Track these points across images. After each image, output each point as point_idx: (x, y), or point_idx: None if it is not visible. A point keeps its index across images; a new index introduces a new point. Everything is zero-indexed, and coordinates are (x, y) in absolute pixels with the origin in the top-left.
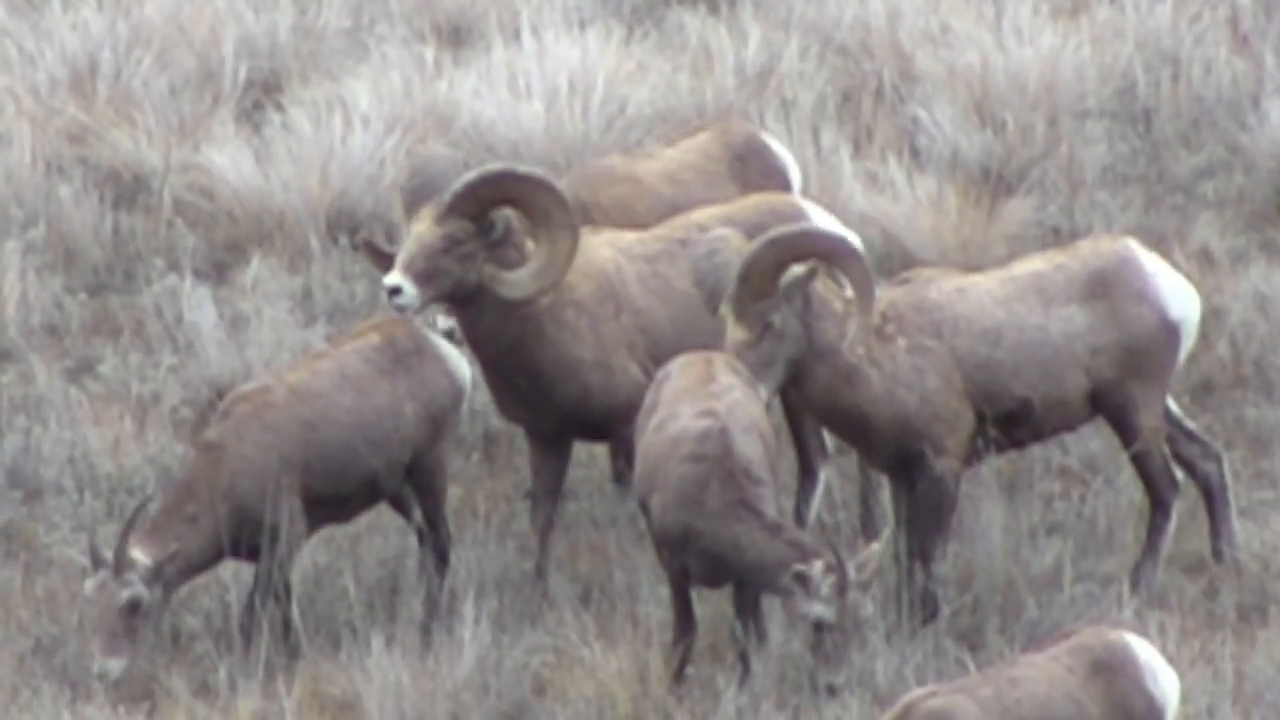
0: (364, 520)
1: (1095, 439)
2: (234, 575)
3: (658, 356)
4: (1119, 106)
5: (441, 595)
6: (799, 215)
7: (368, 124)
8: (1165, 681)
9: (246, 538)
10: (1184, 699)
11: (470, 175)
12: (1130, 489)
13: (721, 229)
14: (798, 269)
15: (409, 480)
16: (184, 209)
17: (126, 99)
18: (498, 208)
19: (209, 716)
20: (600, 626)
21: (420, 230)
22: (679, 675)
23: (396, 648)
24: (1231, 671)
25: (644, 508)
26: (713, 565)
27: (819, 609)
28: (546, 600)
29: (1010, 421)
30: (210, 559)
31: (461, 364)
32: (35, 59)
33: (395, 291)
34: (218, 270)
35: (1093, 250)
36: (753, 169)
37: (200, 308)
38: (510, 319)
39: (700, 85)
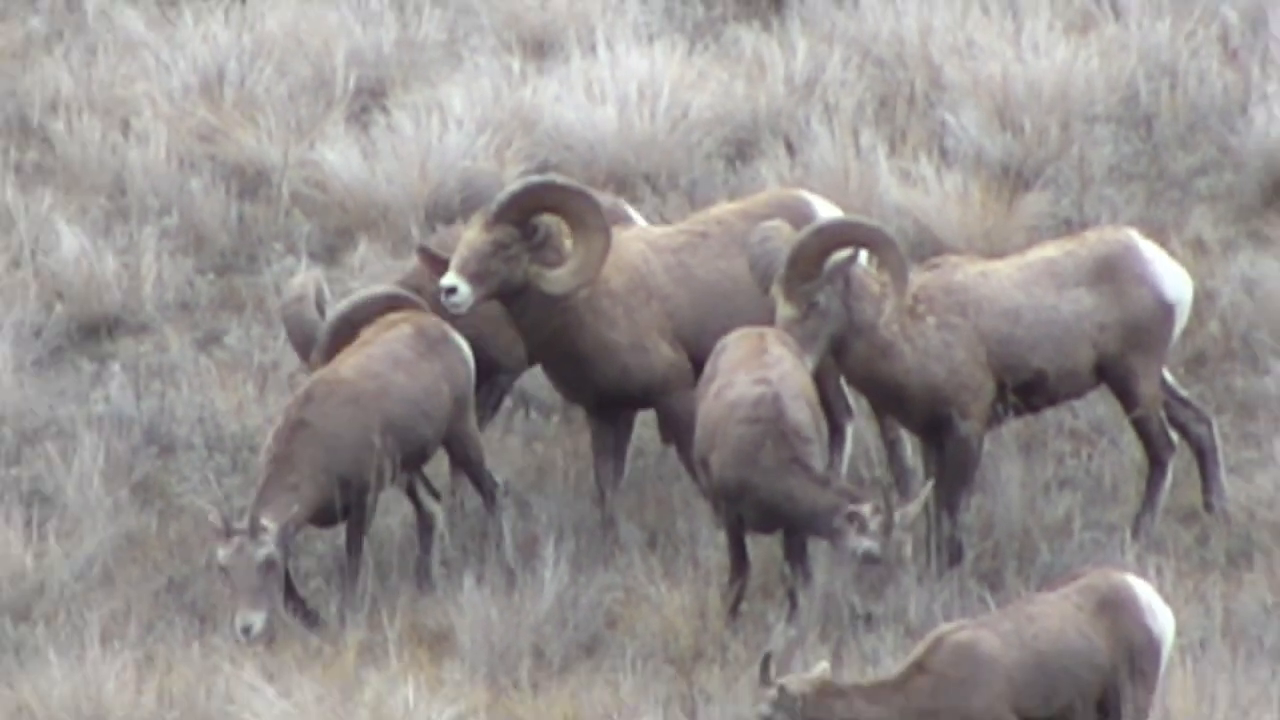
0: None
1: (1101, 405)
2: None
3: (684, 336)
4: (1123, 112)
5: (502, 531)
6: (807, 208)
7: (461, 125)
8: (1163, 618)
9: (341, 500)
10: (1179, 633)
11: (515, 186)
12: (1132, 449)
13: (774, 220)
14: (840, 255)
15: (449, 451)
16: (300, 199)
17: (250, 103)
18: (539, 214)
19: (320, 646)
20: (665, 568)
21: (471, 236)
22: (734, 611)
23: (485, 586)
24: (1221, 609)
25: (704, 464)
26: (765, 514)
27: (868, 544)
28: (617, 545)
29: (1027, 389)
30: (310, 521)
31: (469, 354)
32: (170, 67)
33: (451, 291)
34: (329, 253)
35: (1098, 239)
36: None
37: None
38: (553, 311)
39: (754, 92)
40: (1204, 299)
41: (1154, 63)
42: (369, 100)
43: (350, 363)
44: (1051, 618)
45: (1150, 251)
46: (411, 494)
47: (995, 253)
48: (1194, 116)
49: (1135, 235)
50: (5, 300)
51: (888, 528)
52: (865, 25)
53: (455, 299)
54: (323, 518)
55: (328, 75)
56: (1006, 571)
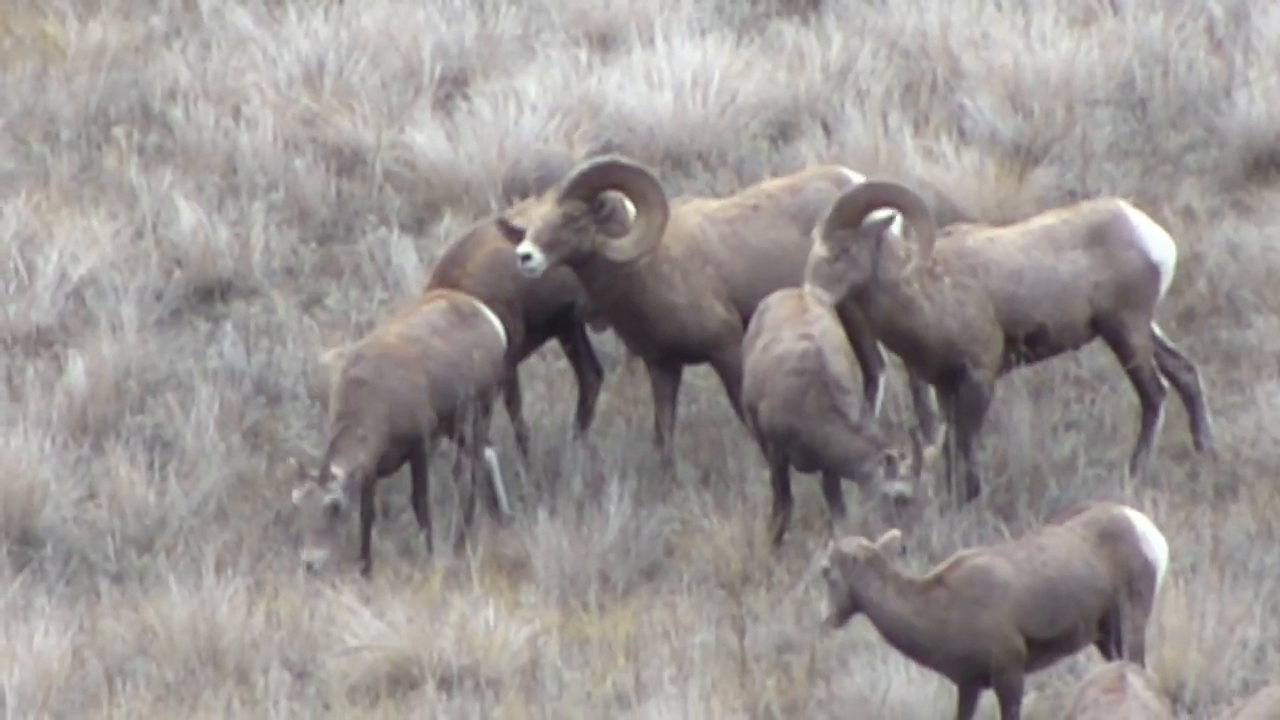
0: (531, 417)
1: (1102, 355)
2: (431, 457)
3: (737, 299)
4: (1121, 96)
5: (473, 491)
6: (846, 181)
7: (534, 110)
8: (1157, 546)
9: (400, 449)
10: (1172, 559)
11: (584, 164)
12: (1130, 394)
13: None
14: (880, 214)
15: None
16: (391, 177)
17: (347, 91)
18: (605, 190)
19: (411, 573)
20: (716, 502)
21: (544, 210)
22: (778, 540)
23: (558, 519)
24: (1210, 537)
25: (753, 410)
26: (808, 456)
27: (900, 486)
28: (674, 482)
29: (1031, 340)
30: (378, 470)
31: (500, 326)
32: (276, 60)
33: (526, 258)
34: (418, 224)
35: (1091, 208)
36: None
37: (404, 254)
38: (618, 277)
39: (794, 80)
40: (1193, 261)
41: (1148, 52)
42: (452, 88)
43: (395, 329)
44: (1059, 548)
45: (1137, 218)
46: (460, 448)
47: (1005, 221)
48: (1183, 100)
49: (1123, 204)
50: (130, 267)
51: (917, 470)
52: (892, 20)
53: (530, 264)
54: (385, 467)
55: (416, 66)
56: (1019, 504)
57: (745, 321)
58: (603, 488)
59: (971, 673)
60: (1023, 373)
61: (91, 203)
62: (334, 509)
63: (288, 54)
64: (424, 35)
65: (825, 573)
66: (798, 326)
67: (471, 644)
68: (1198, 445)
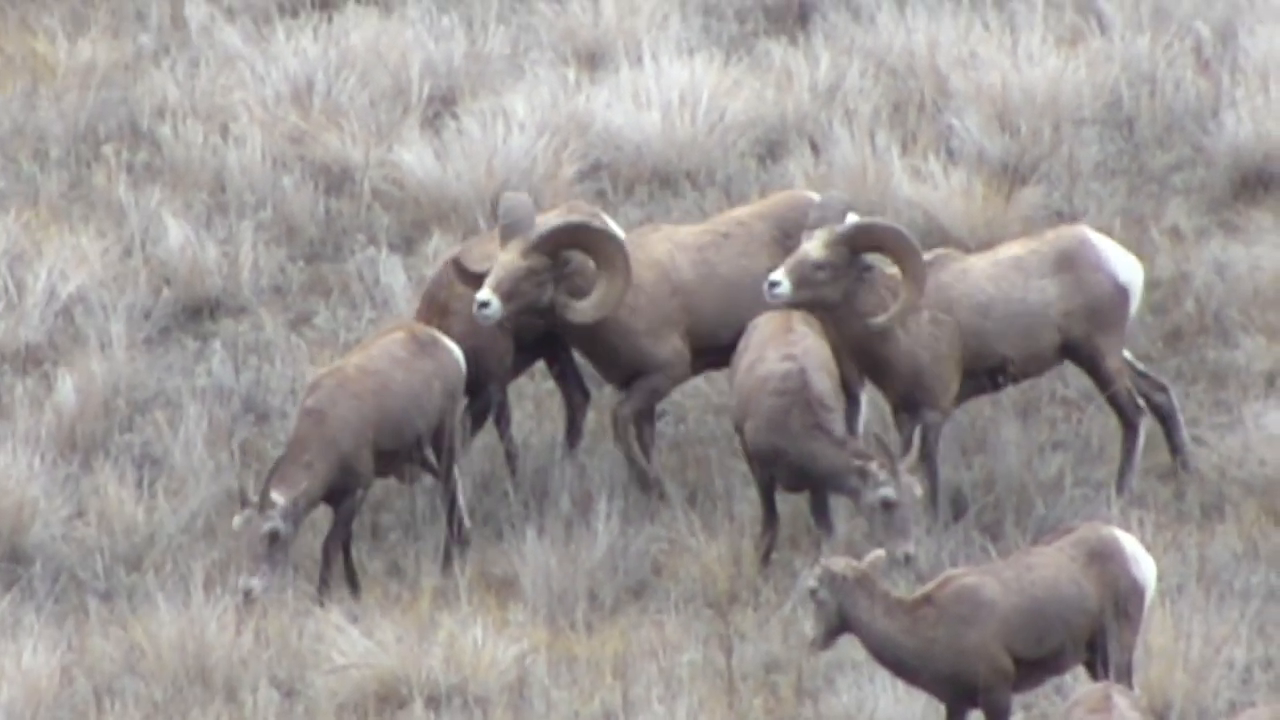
0: (519, 436)
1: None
2: (421, 480)
3: (708, 327)
4: (1108, 115)
5: (457, 527)
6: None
7: (523, 129)
8: (1146, 567)
9: (344, 481)
10: (1158, 579)
11: (556, 222)
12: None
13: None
14: (873, 257)
15: (433, 443)
16: (380, 195)
17: (335, 109)
18: (572, 249)
19: (399, 591)
20: (703, 521)
21: (508, 259)
22: (766, 560)
23: (546, 537)
24: (1196, 557)
25: (739, 430)
26: (794, 474)
27: (883, 491)
28: (662, 500)
29: (991, 373)
30: (322, 498)
31: (460, 356)
32: (264, 77)
33: (484, 305)
34: (406, 243)
35: (1056, 235)
36: None
37: (393, 273)
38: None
39: (782, 99)
40: (1180, 281)
41: (1135, 72)
42: (441, 107)
43: (354, 361)
44: (1048, 568)
45: (1102, 242)
46: (430, 470)
47: (992, 240)
48: (1170, 119)
49: (1088, 230)
50: (119, 285)
51: (894, 473)
52: (880, 40)
53: (487, 311)
54: (332, 496)
55: (404, 85)
56: (1006, 524)
57: (709, 349)
58: (591, 506)
59: (958, 692)
60: (1009, 392)
61: (80, 220)
62: (272, 536)
63: (276, 72)
64: (412, 54)
65: (813, 593)
66: (781, 346)
67: (460, 662)
68: (1182, 465)
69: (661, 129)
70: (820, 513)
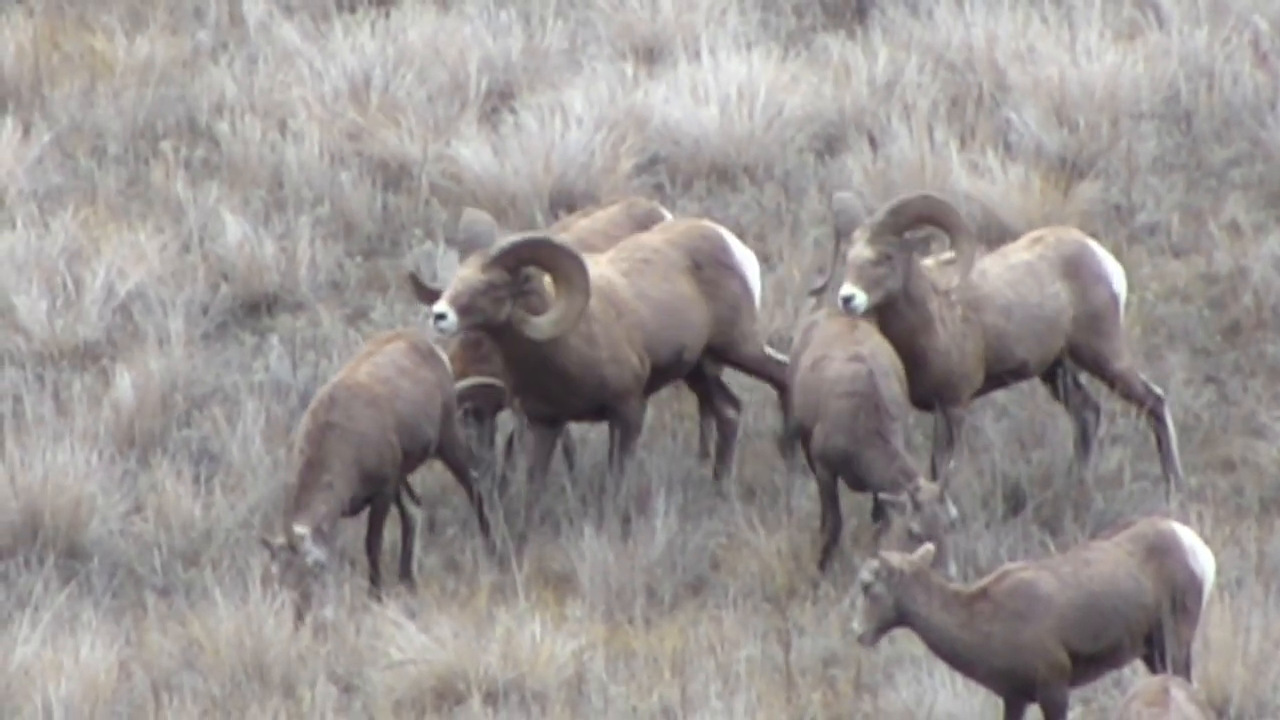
0: (576, 432)
1: (1147, 370)
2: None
3: (645, 347)
4: (1166, 110)
5: (493, 519)
6: (719, 239)
7: (580, 124)
8: (1205, 561)
9: (367, 492)
10: (1217, 573)
11: (515, 237)
12: (1175, 408)
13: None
14: (924, 230)
15: (440, 454)
16: (437, 190)
17: (393, 105)
18: (531, 265)
19: (457, 587)
20: (761, 516)
21: (466, 274)
22: (825, 558)
23: (603, 533)
24: (1255, 551)
25: (805, 432)
26: (854, 478)
27: (912, 524)
28: (719, 496)
29: (1009, 375)
30: (346, 512)
31: (449, 366)
32: (322, 74)
33: (440, 317)
34: None
35: (1059, 240)
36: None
37: (450, 268)
38: (537, 342)
39: (840, 94)
40: (1239, 275)
41: (1193, 66)
42: (499, 102)
43: (364, 369)
44: (1105, 563)
45: (1100, 251)
46: (396, 499)
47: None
48: (1228, 113)
49: (1084, 236)
50: (177, 281)
51: (918, 505)
52: (939, 34)
53: (443, 324)
54: (352, 509)
55: (462, 80)
56: (1064, 518)
57: (652, 370)
58: (648, 502)
59: (1015, 686)
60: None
61: (139, 217)
62: (319, 568)
63: (334, 68)
64: (470, 49)
65: (868, 587)
66: (848, 345)
67: (517, 658)
68: (1081, 480)
69: (719, 124)
70: (880, 508)
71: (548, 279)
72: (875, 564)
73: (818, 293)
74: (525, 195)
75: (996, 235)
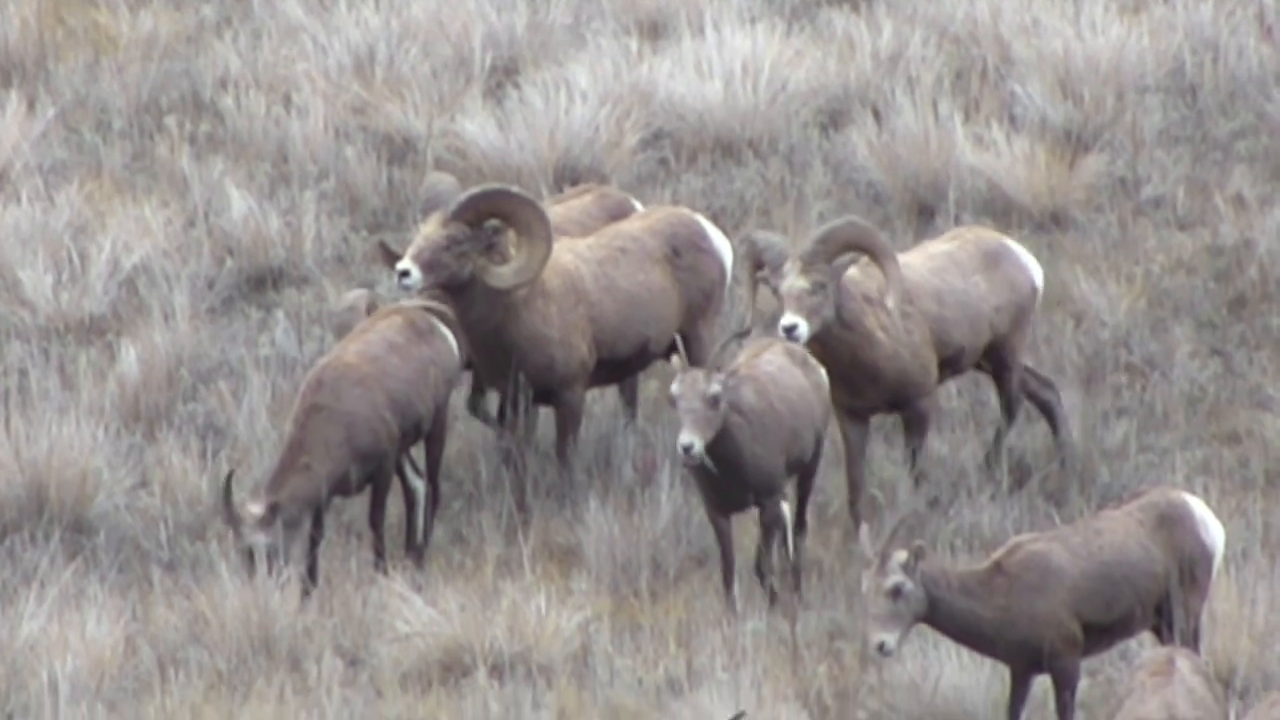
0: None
1: (1154, 342)
2: (482, 444)
3: (606, 339)
4: (1171, 83)
5: (432, 521)
6: (698, 226)
7: (585, 99)
8: (1215, 531)
9: (359, 472)
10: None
11: (473, 190)
12: (1180, 381)
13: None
14: (847, 256)
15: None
16: (442, 165)
17: (398, 80)
18: (491, 218)
19: (463, 560)
20: None
21: (428, 231)
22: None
23: (609, 506)
24: (1261, 523)
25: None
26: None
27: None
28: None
29: (948, 364)
30: (326, 496)
31: (454, 343)
32: (326, 49)
33: (404, 274)
34: None
35: (977, 235)
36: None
37: None
38: (495, 306)
39: (844, 68)
40: (1244, 248)
41: (1198, 39)
42: (503, 77)
43: (353, 348)
44: (1116, 533)
45: (1017, 245)
46: (399, 472)
47: (1059, 209)
48: (1234, 86)
49: (997, 233)
50: (182, 256)
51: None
52: (943, 7)
53: (407, 281)
54: (343, 489)
55: (466, 55)
56: (1071, 491)
57: (608, 361)
58: (654, 475)
59: (1027, 658)
60: (1073, 360)
61: (144, 192)
62: (257, 548)
63: (338, 43)
64: (475, 24)
65: (898, 588)
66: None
67: (523, 631)
68: (1061, 463)
69: (724, 98)
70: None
71: (511, 234)
72: (895, 561)
73: (741, 336)
74: (530, 170)
75: (1002, 209)
